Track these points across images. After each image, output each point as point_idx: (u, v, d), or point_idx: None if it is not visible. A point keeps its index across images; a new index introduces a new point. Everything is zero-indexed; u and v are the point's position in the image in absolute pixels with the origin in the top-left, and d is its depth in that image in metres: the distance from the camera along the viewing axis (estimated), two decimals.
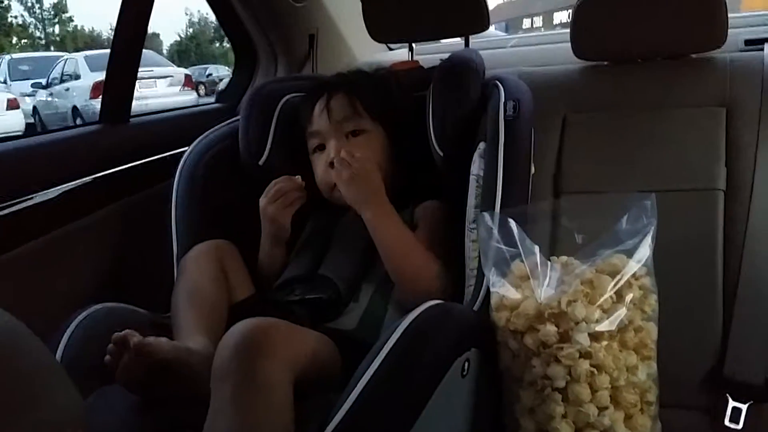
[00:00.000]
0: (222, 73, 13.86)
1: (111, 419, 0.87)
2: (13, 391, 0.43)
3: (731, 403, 1.05)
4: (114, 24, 1.43)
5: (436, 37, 1.68)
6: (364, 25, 1.49)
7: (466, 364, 0.86)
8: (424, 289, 0.99)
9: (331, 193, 1.17)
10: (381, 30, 1.50)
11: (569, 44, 1.36)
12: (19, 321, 0.50)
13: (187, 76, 9.21)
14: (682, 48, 1.33)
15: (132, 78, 1.45)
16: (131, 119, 1.47)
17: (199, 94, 9.92)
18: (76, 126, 1.79)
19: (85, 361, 0.93)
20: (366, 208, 1.07)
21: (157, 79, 8.21)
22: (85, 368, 0.92)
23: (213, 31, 26.98)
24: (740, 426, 1.03)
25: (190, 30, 30.15)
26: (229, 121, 1.37)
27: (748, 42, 1.41)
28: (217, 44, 26.81)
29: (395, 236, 1.06)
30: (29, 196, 1.16)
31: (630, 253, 0.88)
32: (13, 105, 7.89)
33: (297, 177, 1.14)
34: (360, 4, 1.48)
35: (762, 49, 1.33)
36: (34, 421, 0.44)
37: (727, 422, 1.04)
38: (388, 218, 1.07)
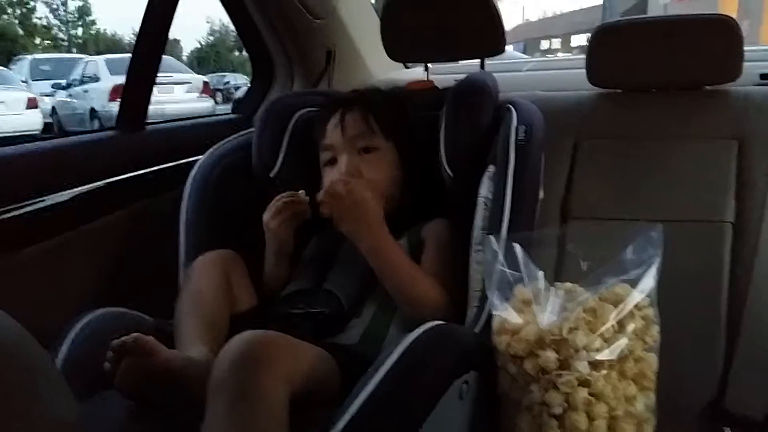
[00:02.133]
0: (240, 81, 13.98)
1: (107, 426, 0.88)
2: (8, 396, 0.44)
3: None
4: (136, 29, 1.45)
5: (452, 59, 1.69)
6: (381, 42, 1.50)
7: (465, 387, 0.85)
8: (427, 314, 0.97)
9: None
10: (398, 49, 1.51)
11: (584, 71, 1.37)
12: (19, 324, 0.50)
13: (205, 83, 9.28)
14: (697, 80, 1.33)
15: (150, 85, 1.47)
16: (147, 126, 1.49)
17: (216, 102, 9.98)
18: (92, 131, 1.81)
19: (86, 365, 0.94)
20: (361, 241, 1.05)
21: (175, 85, 8.28)
22: (86, 372, 0.92)
23: (233, 40, 27.19)
24: None
25: (211, 38, 30.46)
26: (243, 132, 1.38)
27: (763, 76, 1.41)
28: (237, 53, 27.01)
29: (394, 267, 1.05)
30: (42, 198, 1.18)
31: (634, 283, 0.88)
32: (32, 104, 7.98)
33: (301, 192, 1.13)
34: (378, 22, 1.50)
35: None
36: (27, 426, 0.44)
37: None
38: (385, 249, 1.05)
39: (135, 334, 0.86)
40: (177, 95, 8.10)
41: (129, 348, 0.85)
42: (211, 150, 1.33)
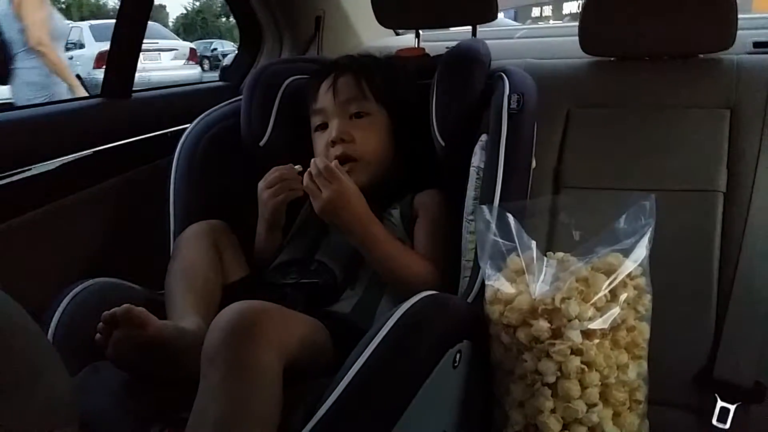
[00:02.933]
0: (227, 48, 13.76)
1: (101, 396, 0.88)
2: (3, 371, 0.43)
3: (719, 403, 1.06)
4: None
5: (444, 25, 1.67)
6: (371, 8, 1.47)
7: (458, 356, 0.86)
8: (417, 291, 0.98)
9: None
10: (388, 15, 1.49)
11: (577, 38, 1.35)
12: (10, 298, 0.49)
13: (191, 50, 9.14)
14: (690, 48, 1.32)
15: (135, 53, 1.44)
16: (133, 94, 1.46)
17: (203, 69, 9.86)
18: (77, 99, 1.78)
19: (77, 336, 0.93)
20: (347, 231, 1.04)
21: (161, 52, 8.15)
22: (78, 343, 0.92)
23: (219, 6, 26.74)
24: (727, 426, 1.04)
25: (197, 4, 29.91)
26: (231, 100, 1.36)
27: (756, 44, 1.40)
28: (224, 19, 26.57)
29: (382, 253, 1.04)
30: (27, 168, 1.16)
31: (627, 253, 0.88)
32: None
33: (298, 166, 1.11)
34: None
35: None
36: (24, 400, 0.43)
37: (714, 422, 1.05)
38: (372, 237, 1.04)
39: (126, 305, 0.86)
40: (163, 62, 7.98)
41: (120, 319, 0.85)
42: (199, 118, 1.31)
